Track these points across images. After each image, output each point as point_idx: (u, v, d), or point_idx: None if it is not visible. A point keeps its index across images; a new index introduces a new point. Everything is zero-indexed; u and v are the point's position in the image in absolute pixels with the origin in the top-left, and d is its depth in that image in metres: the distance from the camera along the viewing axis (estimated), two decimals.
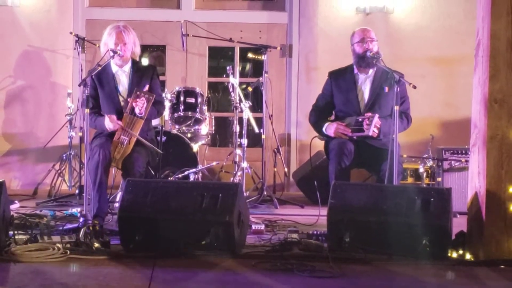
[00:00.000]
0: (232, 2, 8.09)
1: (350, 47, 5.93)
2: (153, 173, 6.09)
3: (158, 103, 5.82)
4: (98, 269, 4.14)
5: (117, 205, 5.56)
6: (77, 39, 7.12)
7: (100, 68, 5.39)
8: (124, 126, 5.51)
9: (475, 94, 4.60)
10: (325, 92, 6.05)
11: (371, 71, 5.90)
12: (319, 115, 6.01)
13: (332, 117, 6.04)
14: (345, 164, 5.60)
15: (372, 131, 5.61)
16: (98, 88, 5.72)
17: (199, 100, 6.91)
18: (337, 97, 5.95)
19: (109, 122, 5.51)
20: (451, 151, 6.49)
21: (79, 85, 5.67)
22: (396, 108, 5.24)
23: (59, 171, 7.11)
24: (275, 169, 7.41)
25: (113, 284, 3.85)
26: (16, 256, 4.35)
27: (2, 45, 7.68)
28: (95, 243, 4.53)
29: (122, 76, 5.77)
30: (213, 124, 7.20)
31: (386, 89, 5.67)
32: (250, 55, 7.22)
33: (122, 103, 5.71)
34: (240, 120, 6.74)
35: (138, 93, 5.51)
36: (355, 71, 5.93)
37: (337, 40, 7.64)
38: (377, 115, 5.66)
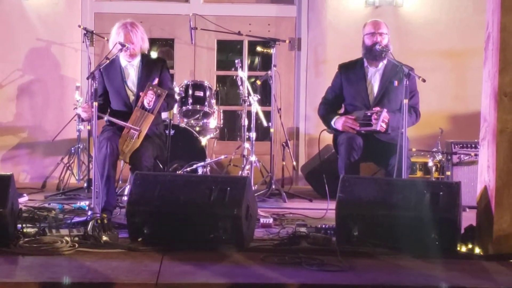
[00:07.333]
0: None
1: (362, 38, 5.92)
2: (161, 166, 6.09)
3: (169, 96, 5.78)
4: (106, 262, 4.14)
5: (125, 198, 5.57)
6: (85, 32, 7.11)
7: (108, 61, 5.38)
8: (134, 120, 5.51)
9: (485, 87, 4.58)
10: (334, 85, 6.03)
11: (381, 65, 5.87)
12: (328, 108, 5.99)
13: (342, 110, 6.03)
14: (354, 158, 5.59)
15: (380, 125, 5.60)
16: (106, 83, 5.73)
17: (208, 93, 6.90)
18: (346, 90, 5.93)
19: (82, 111, 5.54)
20: (461, 145, 6.45)
21: (87, 78, 5.68)
22: (405, 101, 5.23)
23: (67, 165, 7.11)
24: (284, 163, 7.40)
25: (121, 277, 3.84)
26: (24, 249, 4.35)
27: (11, 38, 7.68)
28: (103, 236, 4.53)
29: (131, 70, 5.76)
30: (222, 117, 7.19)
31: (396, 83, 5.67)
32: (258, 48, 7.21)
33: (130, 97, 5.72)
34: (249, 113, 6.73)
35: (150, 87, 5.50)
36: (365, 64, 5.91)
37: (346, 33, 7.61)
38: (385, 110, 5.64)
